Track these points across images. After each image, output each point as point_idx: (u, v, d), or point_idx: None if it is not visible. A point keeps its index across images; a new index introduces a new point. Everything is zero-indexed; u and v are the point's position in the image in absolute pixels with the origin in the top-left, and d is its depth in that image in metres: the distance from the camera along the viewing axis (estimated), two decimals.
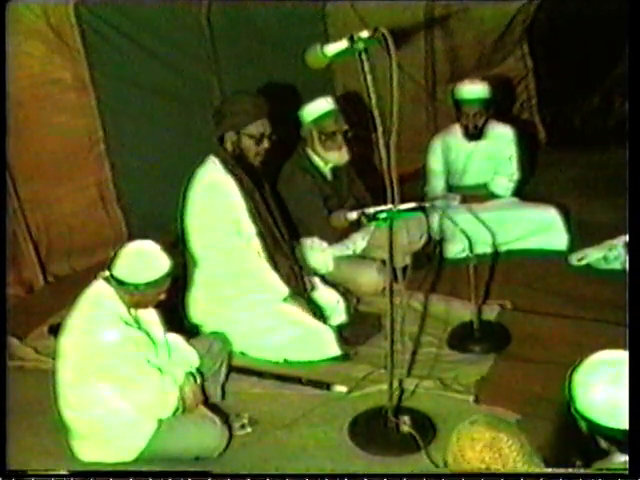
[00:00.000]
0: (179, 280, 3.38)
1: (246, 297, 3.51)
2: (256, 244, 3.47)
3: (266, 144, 3.42)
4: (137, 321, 2.86)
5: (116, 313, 2.75)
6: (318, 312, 3.62)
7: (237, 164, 3.43)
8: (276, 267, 3.51)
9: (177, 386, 2.86)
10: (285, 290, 3.51)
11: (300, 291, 3.59)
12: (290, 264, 3.58)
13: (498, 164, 4.69)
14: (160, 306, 2.95)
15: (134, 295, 2.77)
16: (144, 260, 2.75)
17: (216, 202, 3.40)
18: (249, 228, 3.45)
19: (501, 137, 4.66)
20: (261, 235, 3.48)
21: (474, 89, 4.48)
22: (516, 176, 4.70)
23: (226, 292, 3.51)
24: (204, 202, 3.40)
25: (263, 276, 3.50)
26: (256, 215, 3.46)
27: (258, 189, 3.53)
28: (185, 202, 3.43)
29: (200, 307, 3.58)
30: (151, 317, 2.95)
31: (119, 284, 2.75)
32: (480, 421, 2.11)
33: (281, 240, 3.57)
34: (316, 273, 3.90)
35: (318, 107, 3.97)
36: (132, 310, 2.83)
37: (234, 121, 3.39)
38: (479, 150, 4.63)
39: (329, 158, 4.05)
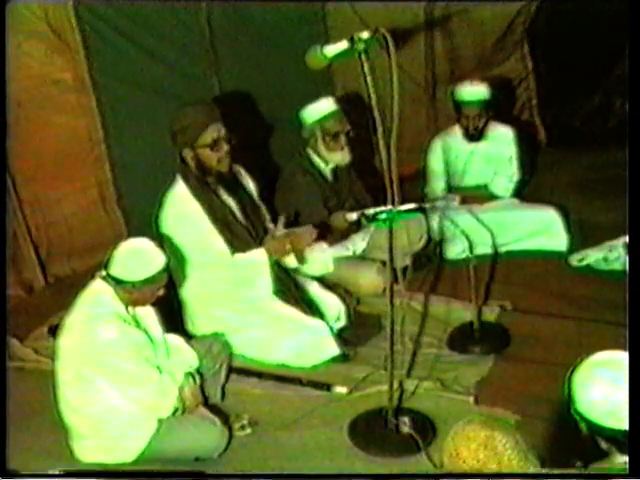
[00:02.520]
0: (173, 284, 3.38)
1: (238, 305, 3.50)
2: (233, 264, 3.42)
3: (225, 147, 3.32)
4: (135, 319, 2.86)
5: (114, 311, 2.76)
6: (317, 314, 3.61)
7: (204, 179, 3.37)
8: None
9: (176, 385, 2.86)
10: (269, 286, 3.48)
11: (292, 295, 3.57)
12: (277, 272, 3.53)
13: (498, 165, 4.69)
14: (158, 304, 2.95)
15: (132, 293, 2.77)
16: (139, 257, 2.75)
17: (184, 235, 3.33)
18: (222, 250, 3.39)
19: (501, 138, 4.66)
20: (237, 251, 3.42)
21: (474, 91, 4.48)
22: (516, 177, 4.71)
23: (216, 311, 3.51)
24: (173, 235, 3.34)
25: (244, 281, 3.47)
26: (229, 236, 3.39)
27: (235, 198, 3.49)
28: (157, 226, 3.38)
29: (197, 325, 3.57)
30: (149, 317, 2.95)
31: (116, 282, 2.75)
32: (475, 420, 2.12)
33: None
34: (314, 276, 3.90)
35: (321, 108, 3.96)
36: (130, 308, 2.84)
37: (185, 137, 3.31)
38: (479, 151, 4.64)
39: (331, 159, 4.05)
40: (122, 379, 2.75)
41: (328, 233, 4.01)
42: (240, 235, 3.46)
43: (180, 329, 3.47)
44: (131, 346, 2.74)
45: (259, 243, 3.47)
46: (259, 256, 3.41)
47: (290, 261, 3.51)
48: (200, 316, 3.56)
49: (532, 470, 2.01)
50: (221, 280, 3.45)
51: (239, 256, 3.41)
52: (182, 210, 3.36)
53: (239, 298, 3.50)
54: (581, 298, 3.91)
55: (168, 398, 2.82)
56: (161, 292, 2.84)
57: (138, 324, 2.86)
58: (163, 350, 2.96)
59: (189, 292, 3.54)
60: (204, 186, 3.39)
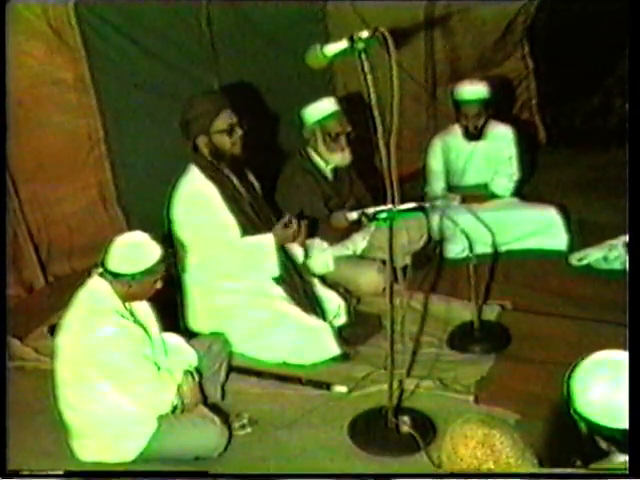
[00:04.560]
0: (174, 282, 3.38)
1: (240, 295, 3.51)
2: (241, 246, 3.45)
3: (239, 132, 3.39)
4: (133, 316, 2.86)
5: (112, 307, 2.76)
6: (318, 309, 3.61)
7: (217, 166, 3.42)
8: None
9: (175, 383, 2.86)
10: (275, 270, 3.50)
11: (295, 290, 3.58)
12: (282, 260, 3.54)
13: (498, 164, 4.69)
14: (157, 299, 2.95)
15: (130, 286, 2.77)
16: (136, 250, 2.75)
17: (198, 213, 3.37)
18: (234, 232, 3.43)
19: (501, 137, 4.66)
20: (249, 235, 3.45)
21: (474, 90, 4.48)
22: (516, 176, 4.71)
23: (219, 298, 3.52)
24: (186, 215, 3.38)
25: (250, 263, 3.49)
26: (242, 218, 3.45)
27: (244, 185, 3.53)
28: (169, 213, 3.41)
29: (198, 317, 3.58)
30: (147, 314, 2.95)
31: (114, 277, 2.75)
32: (473, 419, 2.12)
33: None
34: (315, 274, 3.90)
35: (322, 108, 3.97)
36: (128, 305, 2.84)
37: (200, 124, 3.36)
38: (479, 150, 4.64)
39: (332, 159, 4.05)
40: (120, 375, 2.75)
41: (329, 232, 4.03)
42: (251, 217, 3.49)
43: (181, 327, 3.48)
44: (129, 342, 2.74)
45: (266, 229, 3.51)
46: (267, 240, 3.44)
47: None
48: (202, 306, 3.55)
49: (532, 469, 2.01)
50: (227, 263, 3.47)
51: (248, 239, 3.45)
52: (196, 190, 3.40)
53: (243, 284, 3.51)
54: (581, 297, 3.92)
55: (166, 394, 2.82)
56: (159, 285, 2.83)
57: (136, 320, 2.86)
58: (161, 347, 2.96)
59: (193, 278, 3.54)
60: (217, 171, 3.44)
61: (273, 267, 3.49)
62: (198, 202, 3.38)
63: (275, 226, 3.48)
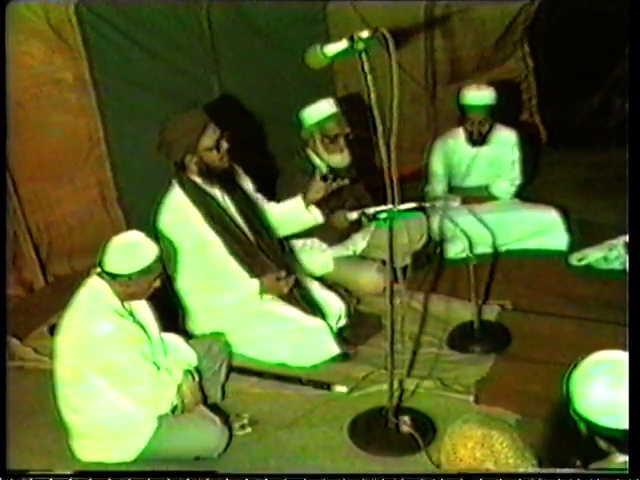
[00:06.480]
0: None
1: (236, 307, 3.51)
2: (231, 264, 3.46)
3: (225, 145, 3.37)
4: (132, 315, 2.86)
5: (110, 306, 2.76)
6: (319, 313, 3.61)
7: (201, 185, 3.40)
8: (258, 276, 3.50)
9: (174, 382, 2.86)
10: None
11: (291, 297, 3.56)
12: (277, 270, 3.54)
13: (500, 168, 4.63)
14: (155, 299, 2.95)
15: (129, 286, 2.77)
16: (132, 249, 2.76)
17: (182, 236, 3.35)
18: (219, 249, 3.42)
19: (505, 142, 4.60)
20: (236, 254, 3.45)
21: (480, 95, 4.40)
22: (518, 180, 4.66)
23: (215, 311, 3.51)
24: (171, 236, 3.35)
25: (241, 284, 3.50)
26: (227, 236, 3.43)
27: (234, 199, 3.51)
28: (155, 230, 3.38)
29: (197, 323, 3.58)
30: (146, 314, 2.95)
31: (112, 277, 2.75)
32: (472, 419, 2.13)
33: (263, 248, 3.55)
34: (313, 275, 3.90)
35: (321, 110, 3.96)
36: (126, 304, 2.84)
37: (187, 143, 3.32)
38: (482, 155, 4.59)
39: (331, 161, 4.05)
40: (119, 374, 2.75)
41: (329, 232, 4.02)
42: (237, 236, 3.47)
43: (180, 328, 3.48)
44: (127, 340, 2.75)
45: (257, 243, 3.51)
46: (250, 286, 3.48)
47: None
48: (200, 316, 3.56)
49: (531, 470, 2.01)
50: (217, 286, 3.47)
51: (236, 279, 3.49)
52: (181, 217, 3.38)
53: (237, 298, 3.50)
54: (581, 297, 3.92)
55: (166, 393, 2.83)
56: (157, 283, 2.84)
57: (135, 320, 2.86)
58: (160, 347, 2.96)
59: (188, 294, 3.54)
60: (201, 192, 3.42)
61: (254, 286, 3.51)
62: (182, 229, 3.36)
63: (267, 276, 3.48)
